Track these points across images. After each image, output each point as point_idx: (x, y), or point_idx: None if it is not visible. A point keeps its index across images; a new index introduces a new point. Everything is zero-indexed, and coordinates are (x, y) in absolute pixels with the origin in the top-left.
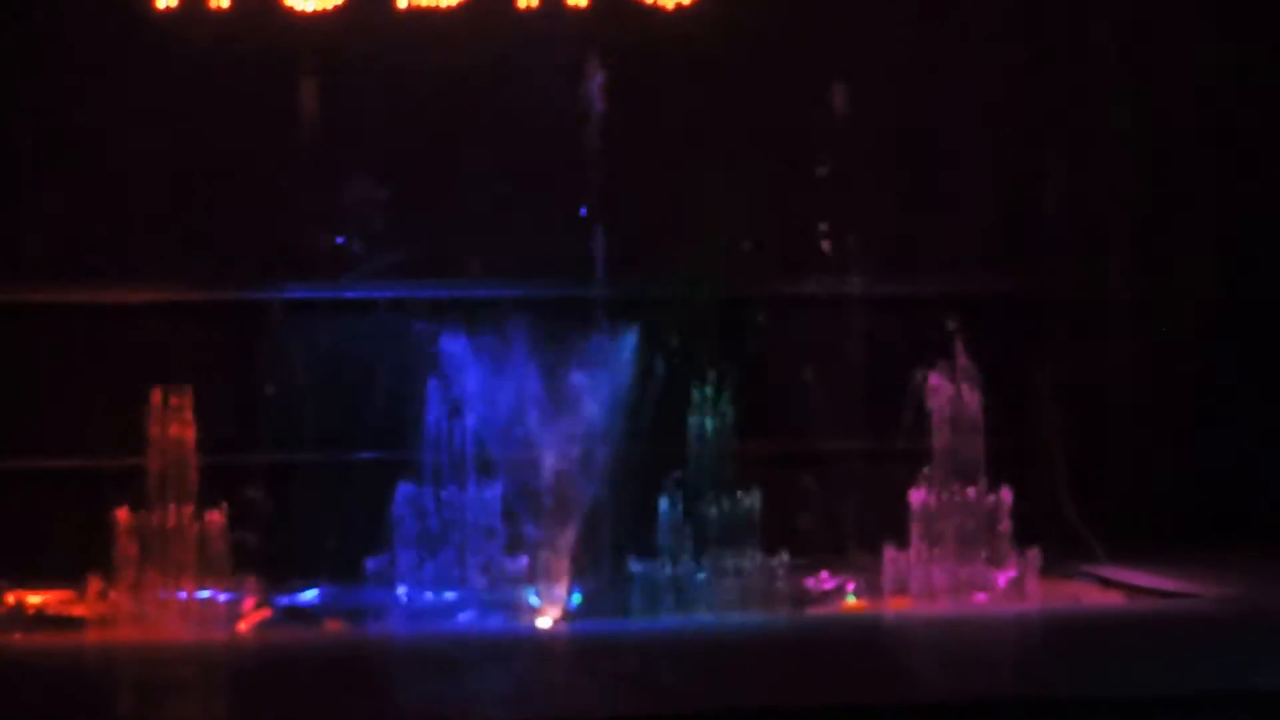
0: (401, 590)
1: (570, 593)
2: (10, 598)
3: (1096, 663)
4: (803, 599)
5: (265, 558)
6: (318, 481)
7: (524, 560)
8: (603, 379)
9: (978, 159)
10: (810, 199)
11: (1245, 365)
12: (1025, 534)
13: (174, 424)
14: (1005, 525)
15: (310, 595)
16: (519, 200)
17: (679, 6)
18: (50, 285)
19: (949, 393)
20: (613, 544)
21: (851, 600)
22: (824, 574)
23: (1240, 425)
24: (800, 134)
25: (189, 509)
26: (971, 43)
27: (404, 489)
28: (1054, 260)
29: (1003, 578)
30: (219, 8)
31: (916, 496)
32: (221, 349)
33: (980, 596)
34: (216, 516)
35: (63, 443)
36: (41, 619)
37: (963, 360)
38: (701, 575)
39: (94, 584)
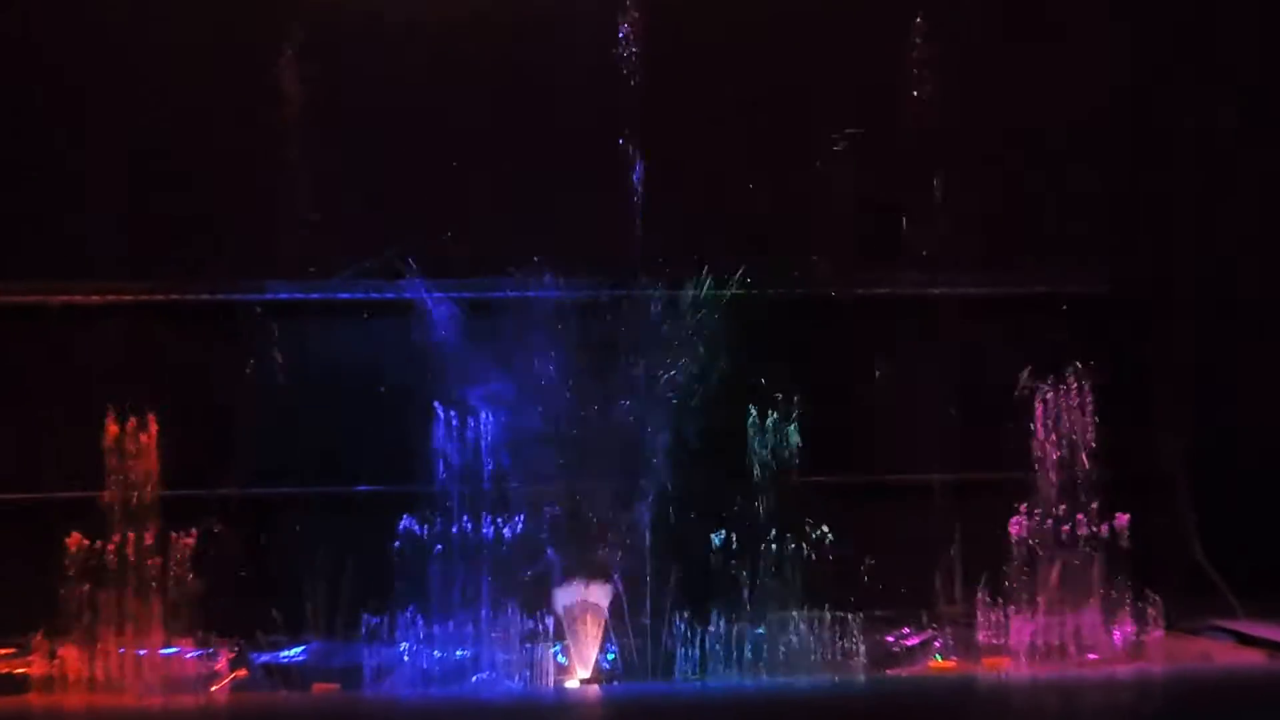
0: (405, 647)
1: (604, 650)
2: None
3: None
4: (882, 658)
5: (243, 608)
6: (306, 519)
7: (549, 612)
8: (643, 396)
9: (1091, 143)
10: (894, 184)
11: None
12: (1145, 581)
13: (135, 449)
14: (1121, 571)
15: (296, 652)
16: (542, 186)
17: None
18: None
19: (1055, 412)
20: (655, 592)
21: (939, 660)
22: (906, 629)
23: None
24: (882, 110)
25: (152, 550)
26: (1087, 18)
27: (408, 528)
28: (1177, 257)
29: (1119, 633)
30: None
31: (1016, 536)
32: (192, 359)
33: (1092, 655)
34: (185, 559)
35: (2, 471)
36: None
37: (1071, 373)
38: (760, 629)
39: (40, 638)
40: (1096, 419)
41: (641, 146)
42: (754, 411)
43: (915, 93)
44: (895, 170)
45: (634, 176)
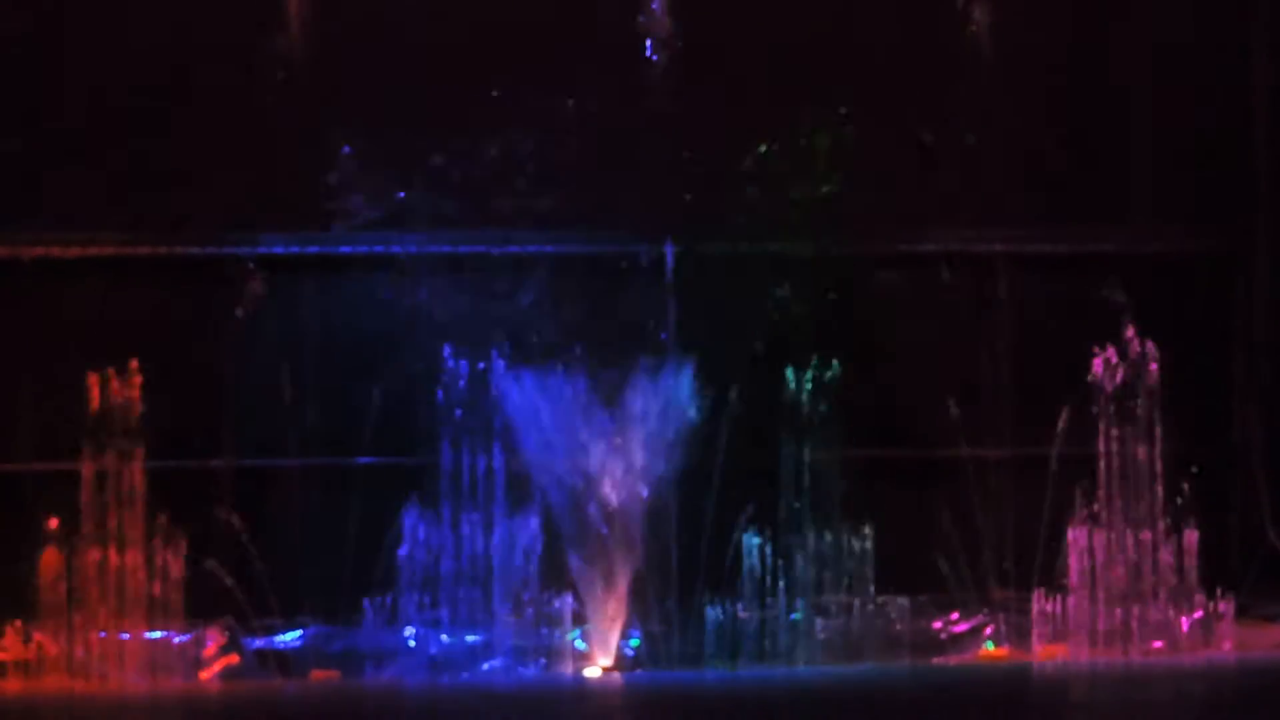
0: (410, 631)
1: (626, 635)
2: None
3: None
4: (928, 645)
5: (234, 589)
6: (303, 493)
7: (568, 594)
8: (669, 361)
9: (1162, 85)
10: (941, 132)
11: None
12: (1216, 566)
13: (117, 417)
14: (1191, 555)
15: (292, 637)
16: (565, 128)
17: None
18: None
19: (1119, 384)
20: (681, 574)
21: (990, 647)
22: (955, 614)
23: None
24: (931, 52)
25: (136, 526)
26: None
27: (414, 503)
28: (1261, 217)
29: (1186, 620)
30: None
31: (1076, 518)
32: (179, 319)
33: (1157, 643)
34: (172, 536)
35: None
36: None
37: (1137, 341)
38: (796, 614)
39: (15, 621)
40: (1167, 391)
41: (664, 92)
42: (791, 382)
43: (970, 33)
44: (947, 117)
45: (655, 123)
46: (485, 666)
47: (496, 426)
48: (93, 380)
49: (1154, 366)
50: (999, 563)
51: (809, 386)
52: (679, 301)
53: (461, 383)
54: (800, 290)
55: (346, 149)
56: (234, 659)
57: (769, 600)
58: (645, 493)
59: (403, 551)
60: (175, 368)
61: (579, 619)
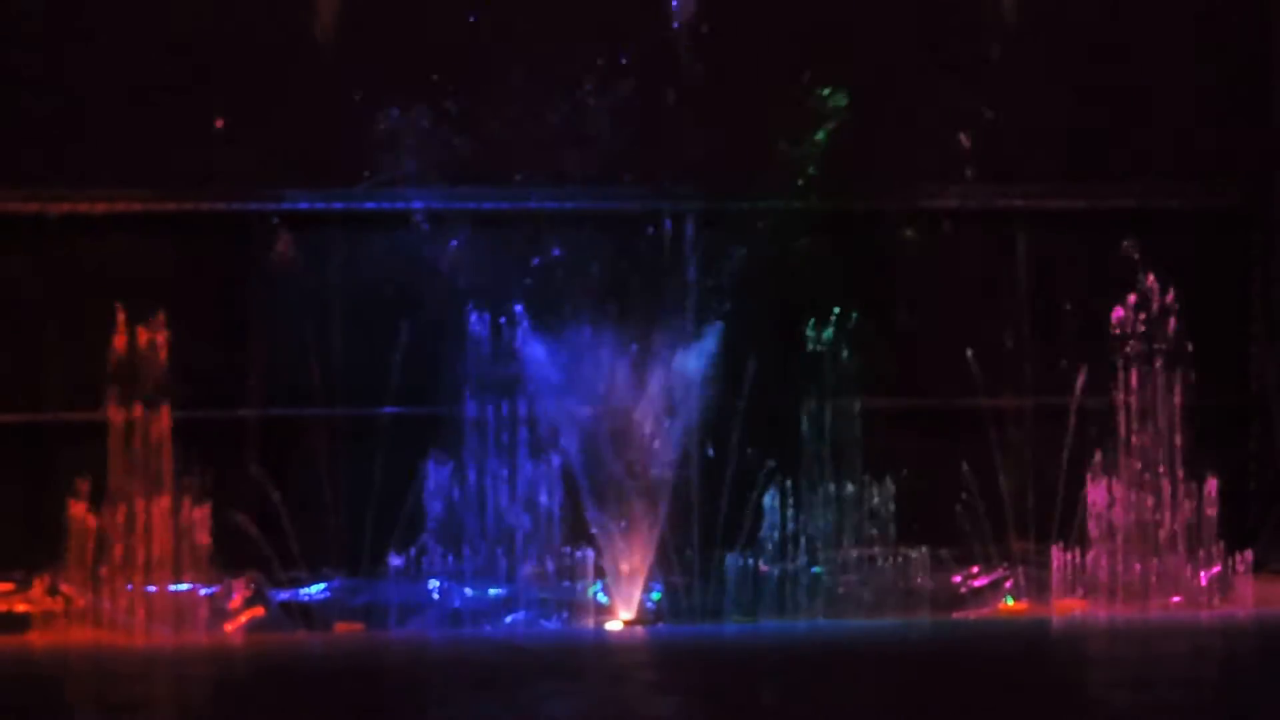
0: (434, 585)
1: (648, 589)
2: None
3: None
4: (948, 599)
5: (259, 542)
6: (327, 445)
7: (589, 548)
8: (688, 315)
9: (1179, 38)
10: (960, 88)
11: None
12: (1236, 519)
13: (143, 369)
14: (1209, 508)
15: (317, 590)
16: (584, 87)
17: None
18: None
19: (1138, 337)
20: (702, 528)
21: (1010, 602)
22: (975, 568)
23: None
24: (951, 7)
25: (163, 478)
26: None
27: (438, 455)
28: (1276, 169)
29: (1205, 573)
30: None
31: (1095, 470)
32: (205, 274)
33: (1176, 598)
34: (197, 488)
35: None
36: None
37: (1156, 294)
38: (817, 569)
39: (41, 572)
40: (1184, 342)
41: (686, 47)
42: (811, 334)
43: None
44: (967, 74)
45: (677, 79)
46: (508, 619)
47: (518, 379)
48: (120, 333)
49: (1172, 320)
50: (1018, 516)
51: (828, 337)
52: (701, 258)
53: (484, 333)
54: (821, 244)
55: (371, 106)
56: (259, 611)
57: (789, 553)
58: (665, 447)
59: (427, 503)
60: (202, 321)
61: (600, 572)
